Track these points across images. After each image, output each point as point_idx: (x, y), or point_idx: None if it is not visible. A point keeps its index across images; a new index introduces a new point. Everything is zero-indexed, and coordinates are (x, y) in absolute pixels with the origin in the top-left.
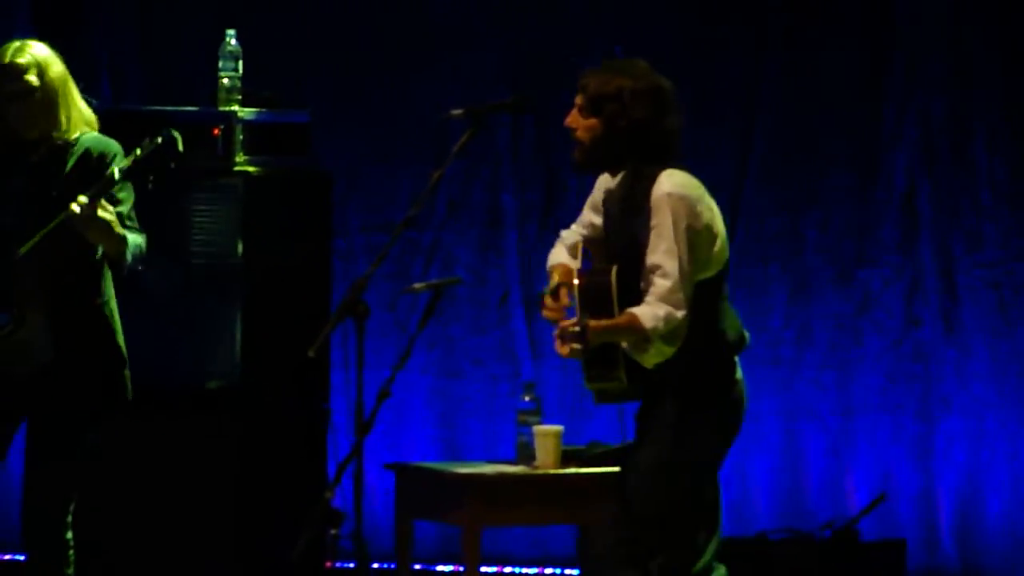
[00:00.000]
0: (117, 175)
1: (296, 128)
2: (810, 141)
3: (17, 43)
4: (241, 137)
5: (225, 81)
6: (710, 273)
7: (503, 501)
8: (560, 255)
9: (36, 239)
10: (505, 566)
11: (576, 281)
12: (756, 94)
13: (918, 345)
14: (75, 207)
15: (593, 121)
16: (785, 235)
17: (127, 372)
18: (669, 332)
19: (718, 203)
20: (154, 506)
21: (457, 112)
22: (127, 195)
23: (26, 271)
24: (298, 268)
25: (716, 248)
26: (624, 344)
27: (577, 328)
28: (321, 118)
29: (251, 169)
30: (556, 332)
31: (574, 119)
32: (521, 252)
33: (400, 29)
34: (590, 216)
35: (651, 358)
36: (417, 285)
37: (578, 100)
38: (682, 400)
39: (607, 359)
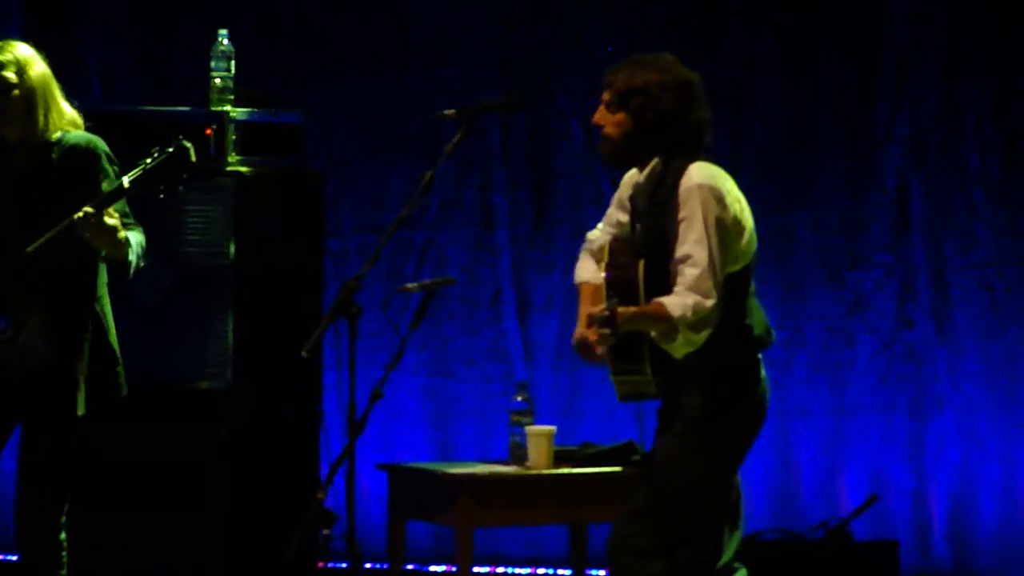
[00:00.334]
0: (127, 184)
1: (288, 128)
2: (802, 141)
3: (1, 42)
4: (233, 137)
5: (217, 81)
6: (738, 267)
7: (496, 501)
8: (587, 269)
9: (39, 243)
10: (498, 566)
11: (603, 276)
12: (747, 94)
13: (910, 345)
14: (81, 214)
15: (621, 116)
16: (777, 235)
17: (120, 370)
18: (698, 321)
19: None
20: (146, 506)
21: (449, 112)
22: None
23: (25, 274)
24: (290, 268)
25: (744, 241)
26: (653, 334)
27: (606, 312)
28: (313, 118)
29: (243, 169)
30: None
31: (602, 115)
32: (513, 252)
33: (392, 30)
34: (617, 214)
35: (680, 347)
36: (409, 285)
37: (605, 96)
38: (708, 394)
39: (633, 352)
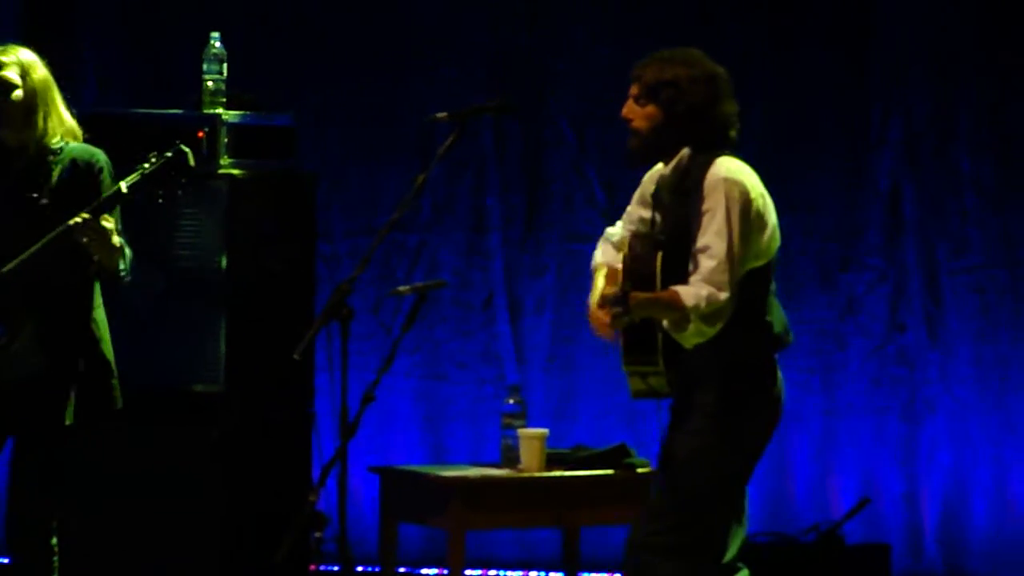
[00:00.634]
0: (125, 189)
1: (281, 131)
2: (794, 144)
3: (3, 45)
4: (225, 140)
5: (209, 84)
6: (760, 262)
7: (488, 504)
8: (605, 253)
9: (34, 249)
10: (490, 569)
11: (620, 265)
12: (740, 97)
13: (902, 349)
14: (79, 219)
15: (651, 109)
16: None
17: (115, 382)
18: (711, 313)
19: None
20: (139, 510)
21: (441, 115)
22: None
23: (19, 282)
24: (282, 271)
25: (767, 237)
26: (665, 323)
27: (619, 292)
28: (306, 121)
29: (235, 172)
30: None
31: (630, 109)
32: (506, 255)
33: (384, 32)
34: (638, 211)
35: (690, 337)
36: (401, 288)
37: (633, 90)
38: (724, 391)
39: (646, 343)
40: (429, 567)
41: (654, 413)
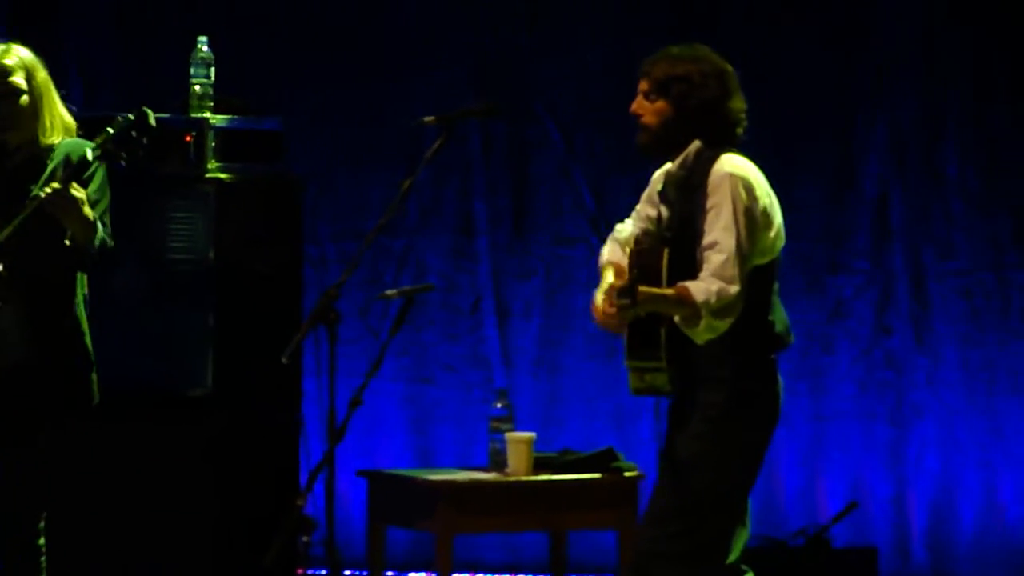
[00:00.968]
0: (90, 155)
1: (268, 135)
2: (781, 149)
3: (2, 46)
4: (213, 144)
5: (197, 88)
6: (764, 260)
7: (475, 508)
8: (613, 252)
9: (9, 229)
10: (477, 573)
11: (627, 260)
12: None
13: (889, 352)
14: (48, 188)
15: (661, 104)
16: None
17: (94, 376)
18: (721, 308)
19: None
20: (126, 512)
21: (428, 119)
22: (103, 196)
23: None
24: (270, 274)
25: (772, 234)
26: (676, 319)
27: (627, 283)
28: (293, 125)
29: (223, 176)
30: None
31: (640, 105)
32: (493, 259)
33: (371, 37)
34: (646, 209)
35: (702, 333)
36: (389, 292)
37: (643, 86)
38: (727, 393)
39: (650, 338)
40: (417, 571)
41: (642, 417)
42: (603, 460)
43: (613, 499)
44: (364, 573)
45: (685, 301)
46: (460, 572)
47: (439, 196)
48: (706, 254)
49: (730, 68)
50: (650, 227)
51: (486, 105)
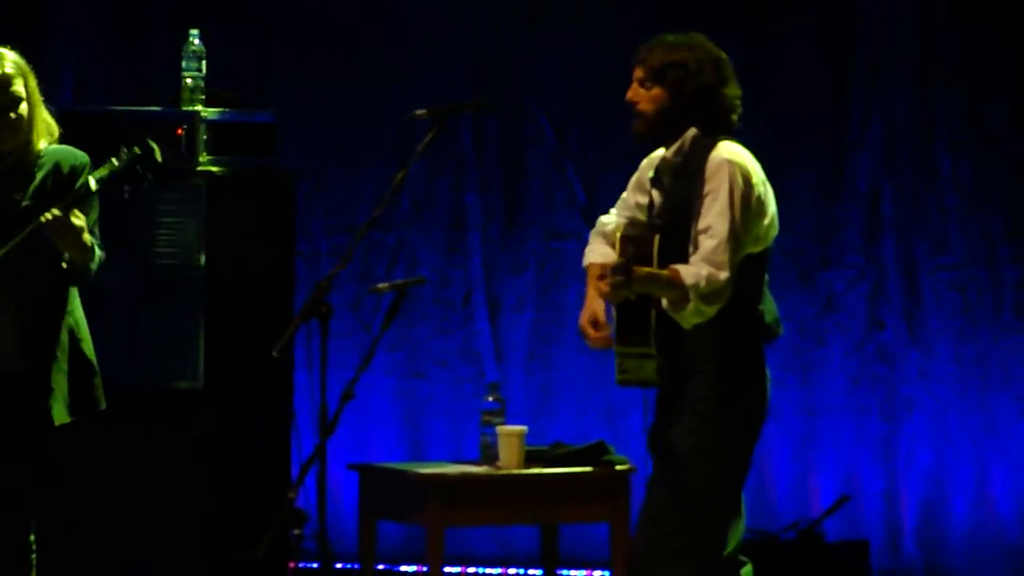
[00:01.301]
0: (93, 185)
1: (260, 128)
2: (773, 143)
3: None
4: (205, 137)
5: (189, 81)
6: (758, 248)
7: (467, 501)
8: (597, 252)
9: (7, 248)
10: (469, 566)
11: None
12: None
13: (881, 347)
14: (49, 215)
15: (657, 91)
16: None
17: (98, 382)
18: (710, 293)
19: None
20: (118, 508)
21: (421, 112)
22: (93, 209)
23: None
24: (262, 268)
25: (766, 223)
26: (664, 303)
27: (622, 261)
28: (285, 119)
29: (215, 169)
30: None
31: (635, 93)
32: (485, 253)
33: (366, 31)
34: (635, 197)
35: (689, 317)
36: (381, 285)
37: (638, 74)
38: (716, 386)
39: (640, 324)
40: (408, 564)
41: (633, 410)
42: (594, 453)
43: (604, 492)
44: (355, 566)
45: (675, 283)
46: (451, 565)
47: (431, 190)
48: (699, 239)
49: (725, 55)
50: (638, 215)
51: (479, 99)
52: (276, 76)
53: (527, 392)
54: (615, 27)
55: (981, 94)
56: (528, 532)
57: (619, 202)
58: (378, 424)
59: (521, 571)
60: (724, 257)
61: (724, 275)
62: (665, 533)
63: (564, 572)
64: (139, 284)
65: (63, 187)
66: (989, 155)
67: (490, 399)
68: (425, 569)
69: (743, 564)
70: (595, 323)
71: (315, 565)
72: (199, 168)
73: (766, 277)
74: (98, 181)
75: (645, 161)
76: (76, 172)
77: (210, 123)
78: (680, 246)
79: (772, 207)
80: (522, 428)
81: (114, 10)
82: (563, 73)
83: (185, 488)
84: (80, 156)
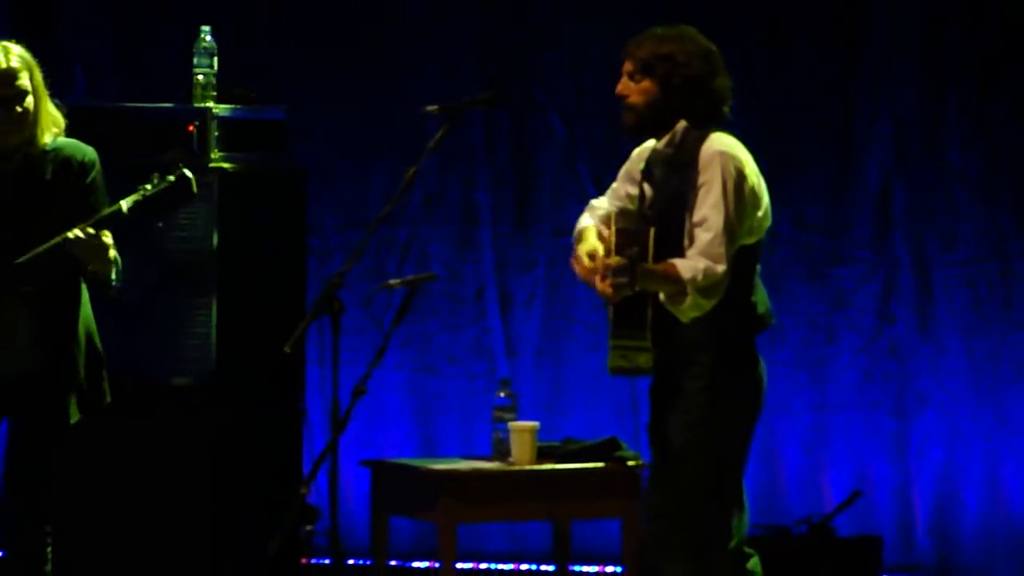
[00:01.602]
0: (125, 209)
1: (271, 125)
2: (783, 139)
3: (3, 44)
4: (216, 134)
5: (200, 77)
6: (752, 240)
7: (478, 497)
8: (590, 220)
9: (30, 256)
10: (481, 562)
11: (612, 238)
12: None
13: (893, 342)
14: (78, 233)
15: (647, 83)
16: None
17: (105, 373)
18: (708, 286)
19: None
20: (129, 502)
21: (432, 108)
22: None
23: (14, 284)
24: (273, 265)
25: (760, 214)
26: (662, 297)
27: (625, 261)
28: (296, 115)
29: (226, 166)
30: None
31: (625, 86)
32: (496, 248)
33: (375, 26)
34: (626, 187)
35: (687, 311)
36: (392, 281)
37: (627, 67)
38: (711, 379)
39: (636, 317)
40: (420, 560)
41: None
42: (606, 449)
43: (616, 488)
44: (367, 562)
45: (672, 277)
46: (463, 561)
47: (442, 186)
48: (695, 232)
49: (715, 47)
50: (628, 205)
51: (490, 95)
52: (286, 72)
53: (538, 388)
54: (625, 23)
55: (991, 88)
56: (540, 528)
57: (609, 191)
58: (390, 420)
59: (533, 567)
60: (720, 249)
61: (721, 268)
62: (671, 529)
63: (576, 568)
64: (151, 280)
65: (70, 181)
66: (999, 150)
67: (502, 395)
68: (437, 565)
69: (749, 556)
70: (592, 256)
71: (327, 561)
72: (211, 165)
73: (758, 268)
74: (130, 207)
75: (636, 151)
76: (85, 167)
77: (222, 120)
78: (674, 239)
79: (765, 198)
80: (534, 424)
81: (125, 6)
82: (573, 69)
83: (195, 483)
84: (88, 151)
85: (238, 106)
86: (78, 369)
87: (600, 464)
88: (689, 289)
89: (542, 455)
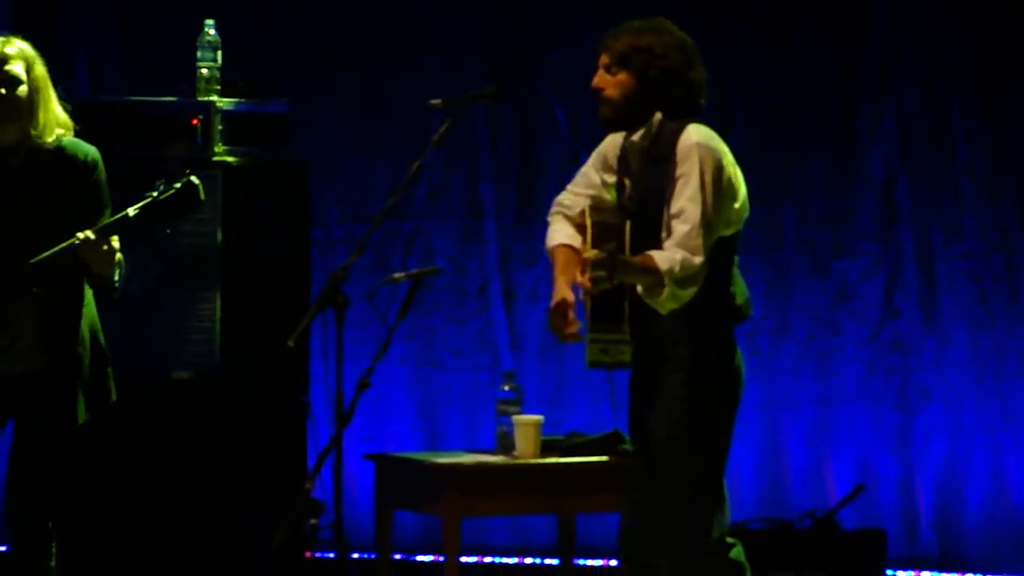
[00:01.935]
0: (132, 215)
1: (275, 118)
2: (788, 132)
3: (5, 37)
4: (220, 127)
5: (204, 71)
6: (729, 231)
7: (483, 491)
8: (562, 232)
9: (40, 259)
10: (485, 556)
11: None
12: (732, 85)
13: (897, 335)
14: (89, 234)
15: (623, 76)
16: (763, 226)
17: (110, 370)
18: (685, 277)
19: None
20: (134, 496)
21: (436, 102)
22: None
23: (20, 285)
24: (277, 258)
25: (737, 205)
26: (639, 289)
27: (604, 255)
28: (300, 108)
29: (230, 159)
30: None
31: (601, 79)
32: (500, 241)
33: (379, 19)
34: (599, 175)
35: (665, 302)
36: (396, 275)
37: (603, 60)
38: (690, 372)
39: (614, 310)
40: (424, 554)
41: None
42: (610, 443)
43: (620, 482)
44: (372, 556)
45: (649, 269)
46: (467, 555)
47: (447, 179)
48: (672, 223)
49: (690, 40)
50: (603, 195)
51: (494, 88)
52: (289, 66)
53: (543, 381)
54: (627, 17)
55: (993, 82)
56: (544, 521)
57: (578, 177)
58: (394, 414)
59: (537, 560)
60: (698, 241)
61: (699, 259)
62: (654, 525)
63: (581, 561)
64: (155, 274)
65: (72, 179)
66: (1004, 142)
67: (506, 388)
68: (441, 559)
69: (732, 546)
70: (566, 317)
71: (331, 555)
72: (214, 158)
73: (736, 259)
74: (136, 213)
75: (608, 138)
76: (87, 166)
77: (225, 113)
78: (652, 230)
79: (743, 188)
80: (538, 417)
81: (127, 1)
82: (576, 63)
83: (200, 478)
84: (90, 150)
85: (242, 100)
86: (83, 368)
87: (604, 458)
88: (667, 280)
89: (546, 449)
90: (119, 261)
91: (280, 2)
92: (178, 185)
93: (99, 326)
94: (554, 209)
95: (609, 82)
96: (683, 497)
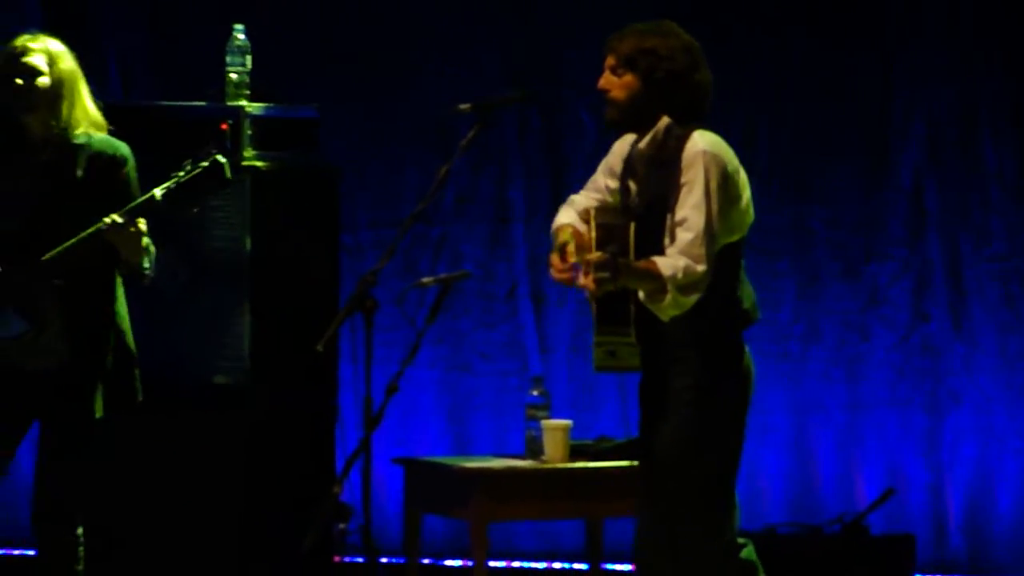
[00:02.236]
0: (159, 196)
1: (304, 123)
2: (817, 136)
3: (33, 34)
4: (249, 132)
5: (233, 76)
6: (734, 237)
7: (511, 495)
8: (569, 216)
9: (64, 247)
10: (513, 560)
11: (593, 233)
12: (763, 89)
13: (926, 340)
14: (116, 218)
15: (629, 78)
16: (793, 230)
17: (137, 372)
18: (687, 284)
19: None
20: (162, 501)
21: (464, 107)
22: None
23: (46, 276)
24: (306, 263)
25: (742, 211)
26: (641, 295)
27: (606, 256)
28: (329, 113)
29: (259, 164)
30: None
31: (607, 80)
32: (529, 246)
33: (406, 25)
34: (606, 180)
35: (667, 309)
36: (425, 279)
37: (609, 61)
38: (698, 377)
39: (620, 313)
40: (453, 558)
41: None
42: (639, 448)
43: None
44: (400, 560)
45: (652, 274)
46: (496, 559)
47: (475, 184)
48: (676, 231)
49: (696, 43)
50: (608, 198)
51: (521, 92)
52: (319, 70)
53: (571, 386)
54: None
55: (1023, 86)
56: (573, 526)
57: (590, 182)
58: (423, 418)
59: (566, 565)
60: (701, 250)
61: (702, 267)
62: (666, 530)
63: (609, 566)
64: (184, 278)
65: (101, 175)
66: None
67: (535, 393)
68: (470, 563)
69: (743, 547)
70: (563, 255)
71: (360, 559)
72: (244, 163)
73: (743, 263)
74: (163, 193)
75: (617, 144)
76: (117, 161)
77: (255, 118)
78: (656, 235)
79: (747, 194)
80: (567, 422)
81: (159, 5)
82: (599, 64)
83: (229, 481)
84: (120, 146)
85: (271, 105)
86: (105, 363)
87: (633, 462)
88: (669, 287)
89: (575, 453)
90: (148, 247)
91: (308, 7)
92: (204, 164)
93: (128, 327)
94: (564, 205)
95: (615, 84)
96: (694, 501)
